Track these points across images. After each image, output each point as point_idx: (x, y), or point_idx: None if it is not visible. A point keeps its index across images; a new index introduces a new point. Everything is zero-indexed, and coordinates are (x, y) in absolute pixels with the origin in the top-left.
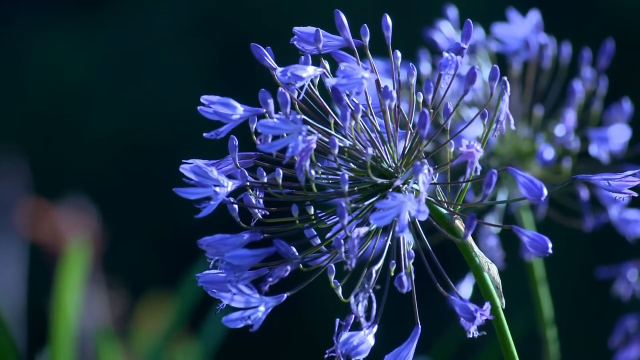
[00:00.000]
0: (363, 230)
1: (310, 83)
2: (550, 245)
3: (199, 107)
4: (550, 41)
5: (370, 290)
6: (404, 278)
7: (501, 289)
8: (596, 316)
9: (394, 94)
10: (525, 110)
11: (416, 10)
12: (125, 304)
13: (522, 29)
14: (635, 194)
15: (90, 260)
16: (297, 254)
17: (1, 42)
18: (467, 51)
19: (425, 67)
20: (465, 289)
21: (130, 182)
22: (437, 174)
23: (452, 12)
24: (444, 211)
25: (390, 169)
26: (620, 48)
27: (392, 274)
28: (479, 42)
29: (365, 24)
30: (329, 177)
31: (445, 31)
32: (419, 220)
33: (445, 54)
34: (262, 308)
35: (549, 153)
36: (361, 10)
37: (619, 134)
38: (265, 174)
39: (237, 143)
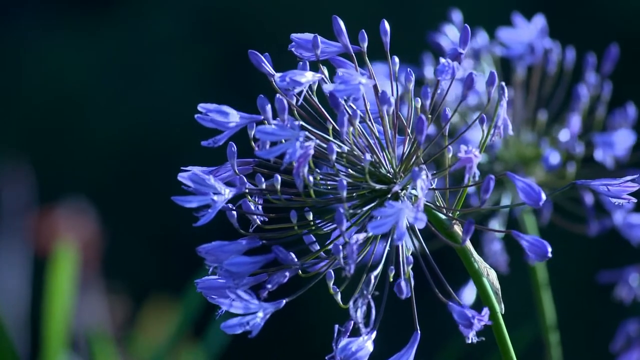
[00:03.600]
0: (361, 236)
1: (309, 89)
2: (549, 249)
3: (196, 116)
4: (555, 46)
5: (369, 296)
6: (403, 284)
7: (500, 295)
8: (598, 320)
9: (392, 100)
10: (529, 115)
11: (420, 14)
12: (126, 309)
13: (527, 33)
14: (635, 200)
15: (90, 265)
16: (296, 260)
17: (2, 48)
18: (472, 56)
19: (430, 72)
20: (469, 294)
21: (131, 186)
22: (437, 179)
23: (457, 16)
24: (443, 217)
25: (388, 174)
26: (625, 53)
27: (391, 279)
28: (483, 47)
29: (364, 30)
30: (328, 183)
31: (451, 35)
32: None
33: (442, 60)
34: (260, 314)
35: (554, 158)
36: (363, 15)
37: (623, 139)
38: (264, 180)
39: (235, 150)
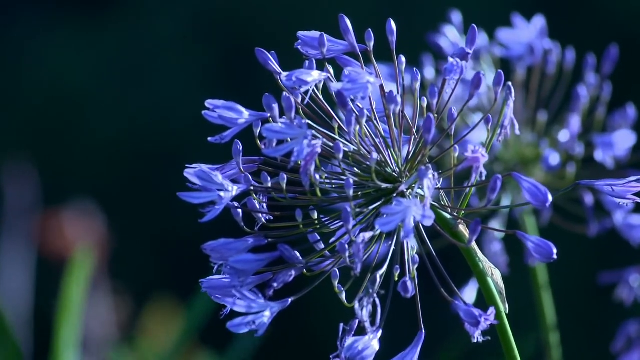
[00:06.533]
0: (368, 235)
1: (314, 88)
2: (555, 251)
3: (203, 112)
4: (555, 46)
5: (375, 295)
6: (408, 283)
7: (505, 294)
8: (598, 321)
9: (399, 99)
10: (529, 116)
11: (419, 15)
12: (130, 310)
13: (526, 34)
14: (639, 200)
15: (96, 266)
16: (301, 258)
17: (3, 48)
18: (472, 56)
19: (429, 72)
20: (470, 294)
21: (133, 187)
22: (441, 179)
23: (457, 17)
24: (448, 216)
25: (394, 173)
26: (625, 53)
27: (396, 278)
28: (483, 47)
29: (370, 29)
30: (333, 181)
31: (450, 36)
32: (423, 226)
33: (450, 59)
34: (267, 313)
35: (554, 158)
36: (362, 15)
37: (624, 140)
38: (269, 178)
39: (241, 147)
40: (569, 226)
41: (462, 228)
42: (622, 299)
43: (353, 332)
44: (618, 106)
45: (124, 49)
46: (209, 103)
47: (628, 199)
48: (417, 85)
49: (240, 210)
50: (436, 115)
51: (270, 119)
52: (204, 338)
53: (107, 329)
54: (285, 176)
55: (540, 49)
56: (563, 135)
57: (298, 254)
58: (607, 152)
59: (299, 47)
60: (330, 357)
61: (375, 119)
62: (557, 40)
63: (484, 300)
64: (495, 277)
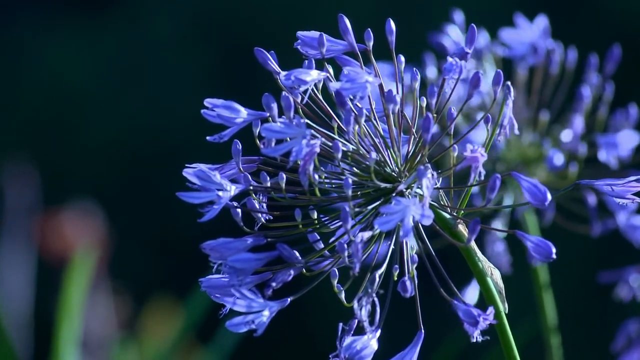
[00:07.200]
0: (367, 234)
1: (313, 87)
2: (554, 250)
3: (202, 111)
4: (558, 46)
5: (374, 295)
6: (408, 282)
7: (504, 294)
8: (599, 321)
9: (398, 98)
10: (531, 116)
11: (419, 15)
12: (130, 309)
13: (529, 33)
14: (639, 200)
15: (96, 266)
16: (300, 258)
17: (3, 48)
18: (474, 56)
19: (432, 71)
20: (472, 293)
21: (135, 187)
22: (441, 179)
23: (459, 16)
24: (447, 216)
25: (393, 173)
26: (626, 53)
27: (396, 278)
28: (485, 47)
29: (369, 29)
30: (333, 181)
31: (453, 35)
32: (422, 225)
33: (450, 59)
34: (266, 312)
35: (559, 159)
36: (362, 15)
37: (628, 140)
38: (268, 178)
39: (240, 147)
40: (572, 226)
41: (462, 227)
42: (621, 298)
43: (352, 332)
44: (620, 106)
45: (124, 49)
46: (207, 102)
47: (628, 199)
48: (417, 84)
49: (239, 210)
50: (435, 115)
51: (270, 118)
52: (202, 336)
53: (107, 329)
54: (284, 176)
55: (542, 48)
56: (566, 136)
57: (297, 254)
58: (611, 152)
59: (299, 47)
60: (329, 356)
61: (375, 119)
62: (560, 40)
63: (484, 300)
64: (494, 276)
